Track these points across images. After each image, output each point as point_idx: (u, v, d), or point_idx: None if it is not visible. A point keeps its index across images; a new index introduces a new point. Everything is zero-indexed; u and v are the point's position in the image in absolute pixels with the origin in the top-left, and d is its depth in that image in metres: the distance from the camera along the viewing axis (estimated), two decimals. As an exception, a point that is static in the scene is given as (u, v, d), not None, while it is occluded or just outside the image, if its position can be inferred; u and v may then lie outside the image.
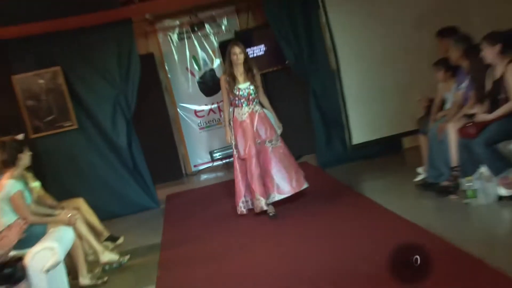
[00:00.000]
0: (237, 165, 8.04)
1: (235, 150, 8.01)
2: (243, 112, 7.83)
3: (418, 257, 4.41)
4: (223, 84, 7.93)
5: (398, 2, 9.90)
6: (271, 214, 7.63)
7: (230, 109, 8.02)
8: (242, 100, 7.80)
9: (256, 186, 7.70)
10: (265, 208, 7.64)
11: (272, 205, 7.72)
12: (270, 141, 7.81)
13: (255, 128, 7.81)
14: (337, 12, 10.05)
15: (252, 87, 7.80)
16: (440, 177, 7.46)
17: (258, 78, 7.93)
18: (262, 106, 8.08)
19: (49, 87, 10.01)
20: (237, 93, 7.78)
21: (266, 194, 7.74)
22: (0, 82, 9.87)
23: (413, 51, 9.66)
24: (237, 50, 7.65)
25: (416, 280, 4.37)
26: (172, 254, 7.49)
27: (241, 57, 7.65)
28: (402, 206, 7.17)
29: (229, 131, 7.97)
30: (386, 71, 9.97)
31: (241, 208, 8.02)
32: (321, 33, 10.55)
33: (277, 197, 7.70)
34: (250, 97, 7.80)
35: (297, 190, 7.83)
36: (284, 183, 7.75)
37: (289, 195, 7.79)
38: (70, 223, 6.63)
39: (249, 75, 7.79)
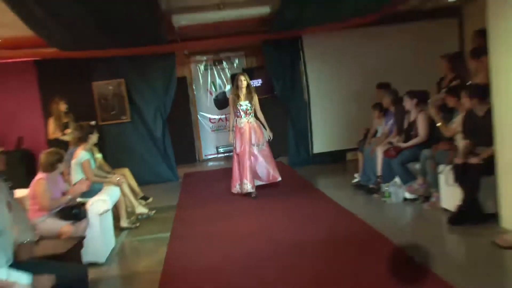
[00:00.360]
0: (235, 158, 8.43)
1: (234, 148, 8.41)
2: (242, 121, 8.32)
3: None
4: (231, 100, 8.45)
5: (354, 61, 10.42)
6: (253, 195, 8.08)
7: (234, 119, 8.45)
8: (241, 113, 8.30)
9: (246, 175, 8.14)
10: (250, 191, 8.10)
11: (255, 189, 8.15)
12: (258, 145, 8.33)
13: (249, 134, 8.27)
14: (312, 63, 10.62)
15: (249, 105, 8.30)
16: (368, 181, 7.90)
17: (255, 99, 8.37)
18: (257, 119, 8.46)
19: (115, 92, 10.77)
20: (239, 107, 8.29)
21: (251, 181, 8.15)
22: (84, 86, 10.53)
23: (361, 95, 9.99)
24: (242, 78, 8.25)
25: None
26: (183, 213, 7.84)
27: (244, 83, 8.22)
28: (341, 198, 7.59)
29: (231, 134, 8.40)
30: (340, 106, 10.57)
31: (237, 189, 8.38)
32: (299, 75, 10.93)
33: (256, 183, 8.29)
34: (248, 111, 8.30)
35: (272, 181, 8.44)
36: (264, 175, 8.40)
37: (265, 183, 8.42)
38: (117, 184, 7.07)
39: (249, 96, 8.30)
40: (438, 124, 6.58)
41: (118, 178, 7.21)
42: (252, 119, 8.42)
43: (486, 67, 5.71)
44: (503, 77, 5.21)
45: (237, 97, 8.30)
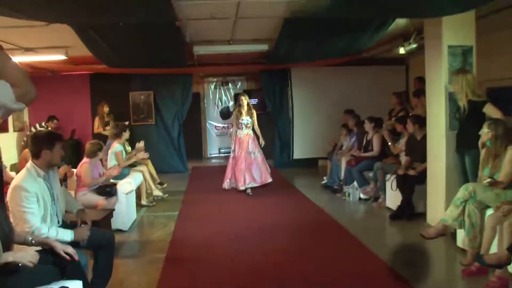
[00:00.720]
0: (230, 161, 8.24)
1: (232, 152, 8.22)
2: (242, 133, 8.07)
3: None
4: (234, 115, 8.19)
5: (329, 91, 10.50)
6: (249, 194, 7.74)
7: (235, 130, 8.17)
8: (242, 126, 8.04)
9: (240, 176, 7.89)
10: (241, 189, 7.84)
11: (251, 188, 7.85)
12: (254, 153, 8.03)
13: (247, 143, 8.04)
14: (297, 90, 10.69)
15: (250, 120, 8.04)
16: (334, 183, 7.94)
17: (254, 116, 8.11)
18: (254, 132, 8.16)
19: (144, 100, 10.93)
20: (241, 121, 8.03)
21: (245, 182, 7.85)
22: (123, 95, 10.77)
23: (332, 117, 10.05)
24: (243, 98, 8.07)
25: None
26: (190, 197, 7.89)
27: (245, 102, 8.02)
28: (312, 195, 7.65)
29: (233, 141, 8.19)
30: (316, 124, 10.58)
31: (226, 185, 8.19)
32: (287, 98, 10.93)
33: (251, 184, 7.86)
34: (248, 125, 8.04)
35: (264, 182, 8.01)
36: (258, 177, 7.96)
37: (259, 184, 7.95)
38: (141, 147, 7.27)
39: (249, 113, 8.05)
40: (390, 144, 6.62)
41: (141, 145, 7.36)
42: (250, 132, 8.17)
43: (423, 103, 5.85)
44: (434, 112, 5.34)
45: (239, 113, 8.07)
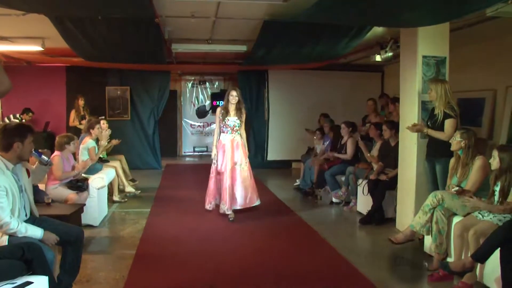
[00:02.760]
0: (212, 173, 6.38)
1: (214, 162, 6.34)
2: (227, 138, 6.27)
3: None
4: (218, 113, 6.35)
5: (305, 94, 10.58)
6: (230, 218, 6.06)
7: (218, 134, 6.41)
8: (228, 129, 6.26)
9: (225, 195, 6.12)
10: (227, 212, 6.08)
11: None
12: (240, 164, 6.28)
13: (232, 152, 6.25)
14: (273, 91, 10.68)
15: (238, 122, 6.27)
16: (306, 186, 7.89)
17: (244, 116, 6.38)
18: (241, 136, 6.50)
19: (121, 95, 10.80)
20: (227, 122, 6.23)
21: (231, 205, 6.13)
22: (100, 89, 10.63)
23: (307, 120, 9.91)
24: (234, 93, 6.27)
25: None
26: (162, 194, 7.83)
27: (236, 99, 6.24)
28: (284, 196, 7.68)
29: (214, 149, 6.33)
30: (291, 127, 10.57)
31: (210, 206, 6.36)
32: (263, 100, 10.96)
33: (233, 207, 6.17)
34: (235, 128, 6.27)
35: (248, 206, 6.33)
36: (241, 198, 6.24)
37: (241, 207, 6.28)
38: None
39: (238, 113, 6.27)
40: (365, 154, 6.55)
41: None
42: (237, 137, 6.36)
43: (399, 111, 5.92)
44: (407, 120, 5.39)
45: (225, 111, 6.29)
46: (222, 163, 6.26)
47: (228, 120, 6.28)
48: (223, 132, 6.35)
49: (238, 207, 6.26)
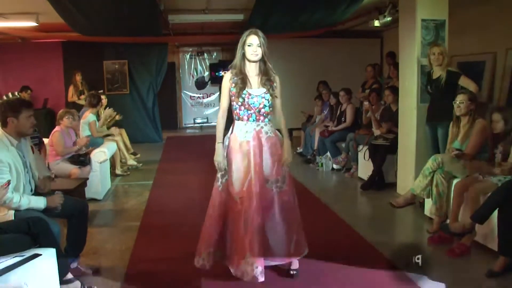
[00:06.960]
0: (215, 201, 3.25)
1: (220, 180, 3.24)
2: (247, 129, 3.14)
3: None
4: (226, 84, 3.18)
5: (304, 63, 10.53)
6: (259, 279, 2.96)
7: (224, 122, 3.26)
8: (250, 112, 3.13)
9: (253, 242, 2.99)
10: (257, 276, 2.94)
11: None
12: (276, 182, 3.17)
13: (259, 158, 3.11)
14: (272, 60, 9.82)
15: (268, 97, 3.14)
16: (307, 153, 7.97)
17: (277, 88, 3.20)
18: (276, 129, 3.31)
19: (119, 69, 10.70)
20: (246, 99, 3.10)
21: (257, 264, 2.96)
22: (97, 63, 10.52)
23: (307, 88, 9.90)
24: (255, 39, 3.10)
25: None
26: (164, 166, 7.86)
27: (259, 51, 3.08)
28: None
29: (221, 151, 3.19)
30: (292, 95, 9.88)
31: (202, 260, 3.24)
32: None
33: (266, 262, 3.13)
34: (262, 110, 3.13)
35: (293, 258, 3.28)
36: (278, 246, 3.19)
37: (282, 263, 3.31)
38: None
39: (265, 80, 3.14)
40: (373, 118, 6.41)
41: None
42: (268, 128, 3.21)
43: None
44: (407, 84, 5.39)
45: (241, 78, 3.13)
46: (243, 180, 3.12)
47: (249, 95, 3.15)
48: (240, 119, 3.21)
49: (272, 263, 3.29)
